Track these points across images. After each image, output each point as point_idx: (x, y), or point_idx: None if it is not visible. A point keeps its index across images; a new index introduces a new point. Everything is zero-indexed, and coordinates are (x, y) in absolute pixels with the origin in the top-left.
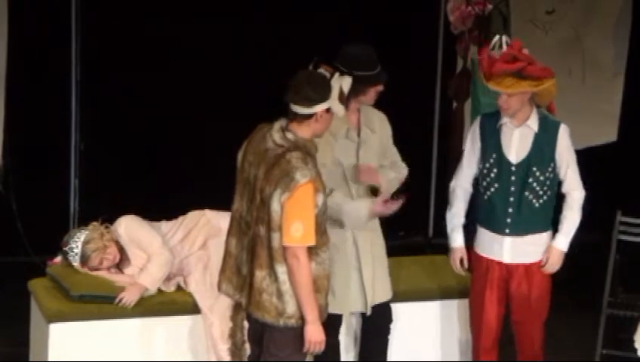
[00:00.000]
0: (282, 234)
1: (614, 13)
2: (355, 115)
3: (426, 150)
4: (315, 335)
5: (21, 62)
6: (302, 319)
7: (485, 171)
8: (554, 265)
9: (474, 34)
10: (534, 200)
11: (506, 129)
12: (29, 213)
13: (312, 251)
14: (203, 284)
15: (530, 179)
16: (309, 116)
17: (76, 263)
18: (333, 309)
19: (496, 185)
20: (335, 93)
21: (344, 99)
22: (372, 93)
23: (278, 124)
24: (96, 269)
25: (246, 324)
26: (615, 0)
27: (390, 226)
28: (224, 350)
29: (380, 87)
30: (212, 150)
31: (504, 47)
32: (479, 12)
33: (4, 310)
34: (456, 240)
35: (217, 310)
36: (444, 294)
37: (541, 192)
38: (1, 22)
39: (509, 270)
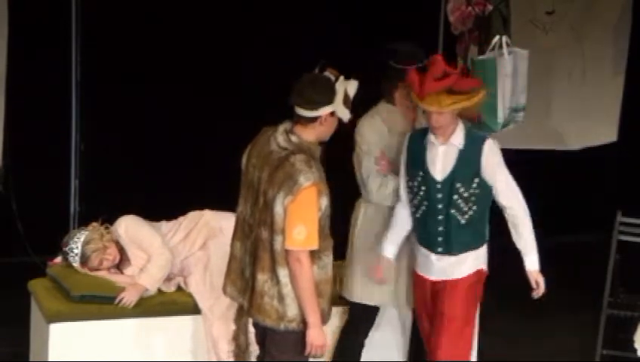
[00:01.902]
0: (285, 238)
1: (614, 13)
2: (412, 113)
3: None
4: (317, 339)
5: (21, 62)
6: (303, 323)
7: (415, 190)
8: (540, 288)
9: (474, 34)
10: (459, 217)
11: (431, 146)
12: (29, 214)
13: (314, 255)
14: (203, 285)
15: (455, 196)
16: (314, 119)
17: (76, 264)
18: (377, 301)
19: (425, 203)
20: (340, 96)
21: (349, 103)
22: None
23: (282, 127)
24: (97, 270)
25: (251, 328)
26: (615, 0)
27: None
28: (224, 350)
29: None
30: (212, 150)
31: (504, 47)
32: (479, 12)
33: (4, 310)
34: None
35: (217, 310)
36: None
37: (466, 208)
38: (1, 22)
39: (436, 287)
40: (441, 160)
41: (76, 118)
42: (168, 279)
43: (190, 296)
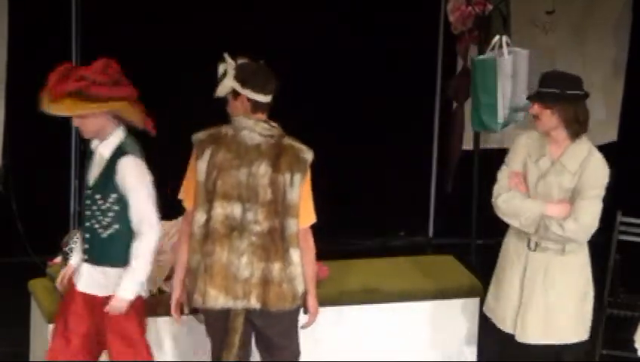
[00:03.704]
0: (303, 217)
1: (614, 13)
2: (558, 145)
3: (426, 150)
4: (316, 306)
5: (21, 62)
6: (303, 296)
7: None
8: (113, 307)
9: (474, 34)
10: (100, 230)
11: (96, 152)
12: (29, 213)
13: None
14: None
15: (94, 207)
16: (270, 103)
17: None
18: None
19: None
20: None
21: None
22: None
23: (248, 121)
24: None
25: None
26: (615, 0)
27: (390, 226)
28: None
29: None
30: None
31: (504, 47)
32: (479, 12)
33: (4, 310)
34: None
35: None
36: (442, 294)
37: (104, 223)
38: (1, 22)
39: (86, 299)
40: (95, 167)
41: None
42: (168, 278)
43: None
